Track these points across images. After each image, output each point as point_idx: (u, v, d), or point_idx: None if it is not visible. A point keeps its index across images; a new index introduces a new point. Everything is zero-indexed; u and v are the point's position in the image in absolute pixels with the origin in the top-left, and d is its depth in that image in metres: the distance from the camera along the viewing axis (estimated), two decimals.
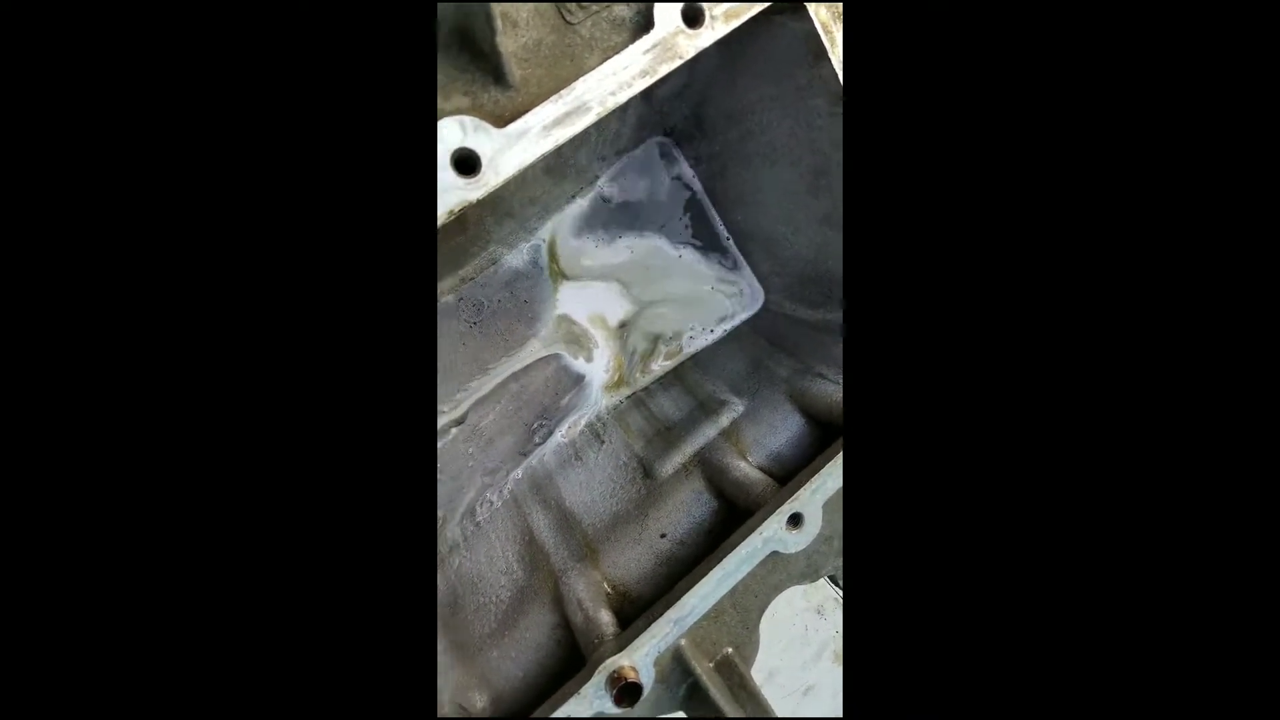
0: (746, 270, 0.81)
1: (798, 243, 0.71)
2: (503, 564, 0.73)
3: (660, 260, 0.78)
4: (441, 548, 0.76)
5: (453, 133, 0.41)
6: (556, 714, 0.53)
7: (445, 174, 0.41)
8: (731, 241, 0.81)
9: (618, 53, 0.45)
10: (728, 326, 0.81)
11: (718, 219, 0.80)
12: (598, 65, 0.45)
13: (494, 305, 0.75)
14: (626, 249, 0.77)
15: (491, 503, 0.79)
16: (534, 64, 0.46)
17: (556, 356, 0.78)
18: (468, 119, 0.41)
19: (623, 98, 0.45)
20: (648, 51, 0.46)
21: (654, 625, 0.54)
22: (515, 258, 0.75)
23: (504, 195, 0.64)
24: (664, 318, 0.79)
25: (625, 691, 0.53)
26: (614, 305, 0.78)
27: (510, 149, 0.42)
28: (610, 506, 0.73)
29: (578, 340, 0.78)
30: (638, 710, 0.59)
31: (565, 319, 0.77)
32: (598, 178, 0.75)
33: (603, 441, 0.79)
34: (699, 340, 0.81)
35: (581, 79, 0.44)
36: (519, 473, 0.80)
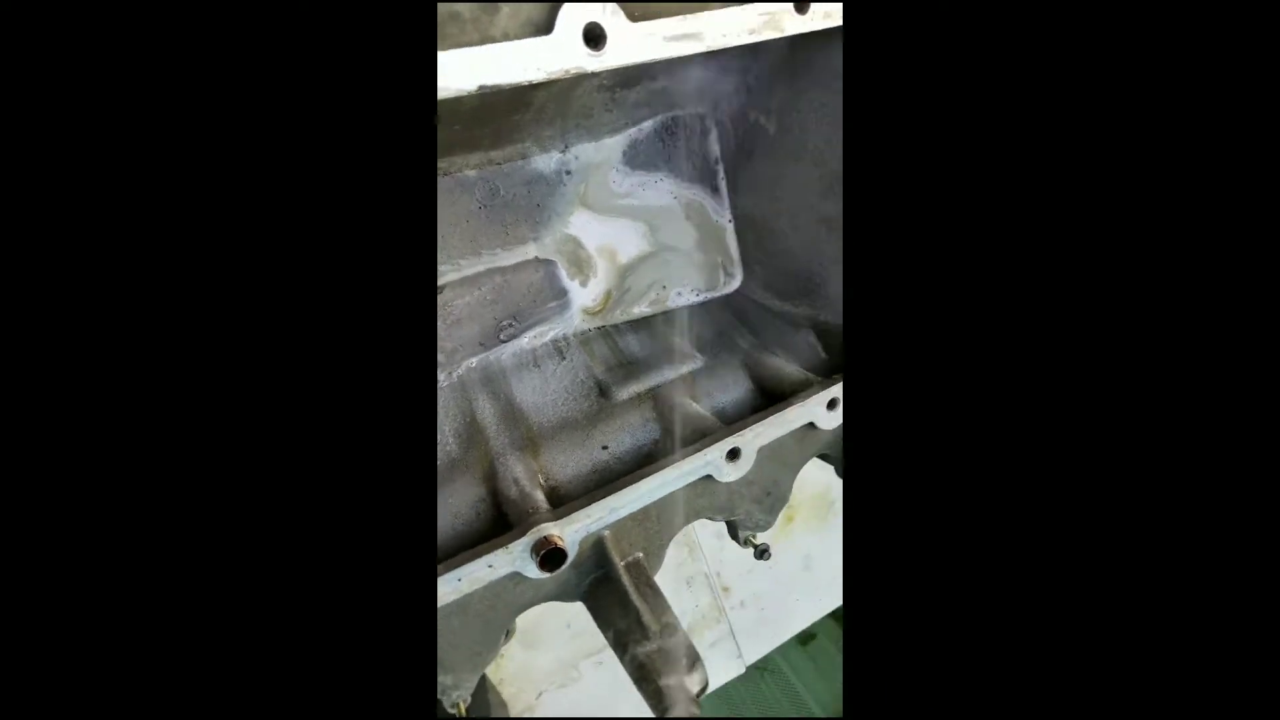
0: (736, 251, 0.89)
1: (792, 239, 0.81)
2: (439, 437, 0.75)
3: (696, 215, 0.85)
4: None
5: (593, 10, 0.46)
6: (472, 562, 0.56)
7: (573, 42, 0.46)
8: (731, 224, 0.89)
9: (739, 3, 0.52)
10: (709, 296, 0.89)
11: (726, 200, 0.88)
12: (720, 8, 0.51)
13: (507, 196, 0.78)
14: (670, 194, 0.83)
15: (440, 381, 0.80)
16: None
17: (551, 264, 0.82)
18: (609, 4, 0.46)
19: (728, 42, 0.52)
20: (760, 15, 0.53)
21: (591, 506, 0.59)
22: (543, 162, 0.78)
23: (570, 96, 0.68)
24: (668, 266, 0.86)
25: (549, 557, 0.57)
26: (631, 243, 0.83)
27: (634, 40, 0.48)
28: (559, 412, 0.77)
29: (578, 263, 0.82)
30: (544, 587, 0.64)
31: (573, 240, 0.81)
32: (645, 121, 0.81)
33: (564, 358, 0.84)
34: (683, 299, 0.88)
35: (707, 12, 0.50)
36: (474, 361, 0.82)
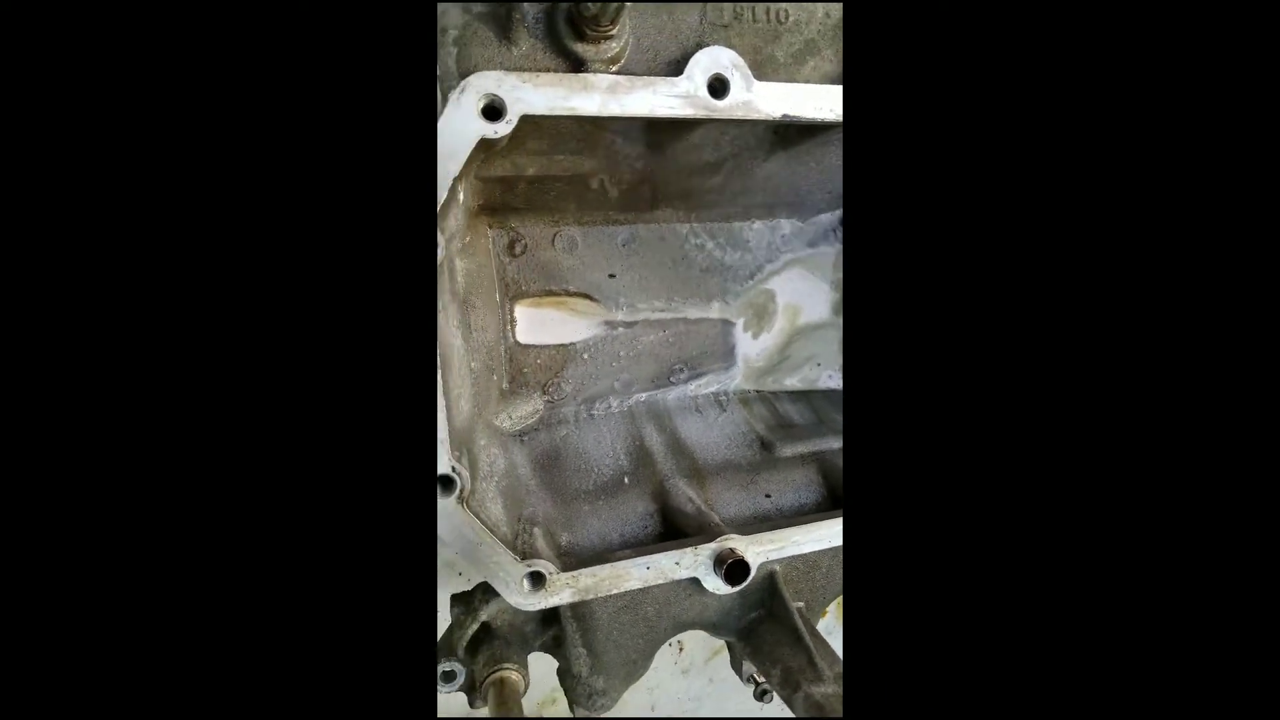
0: None
1: None
2: (609, 451, 0.78)
3: None
4: (554, 415, 0.82)
5: None
6: (662, 554, 0.57)
7: None
8: None
9: None
10: None
11: None
12: None
13: (713, 255, 0.88)
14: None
15: (610, 405, 0.86)
16: None
17: (730, 325, 0.89)
18: None
19: None
20: None
21: (776, 532, 0.60)
22: (754, 232, 0.88)
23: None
24: (830, 344, 0.91)
25: (734, 569, 0.58)
26: (816, 308, 0.90)
27: None
28: (723, 454, 0.80)
29: (762, 315, 0.89)
30: (709, 609, 0.62)
31: (768, 293, 0.89)
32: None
33: (724, 410, 0.88)
34: (833, 382, 0.92)
35: None
36: (643, 396, 0.87)
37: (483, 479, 0.62)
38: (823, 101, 0.54)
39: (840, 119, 0.54)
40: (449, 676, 0.60)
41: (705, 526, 0.63)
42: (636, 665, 0.62)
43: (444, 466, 0.49)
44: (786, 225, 0.88)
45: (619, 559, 0.56)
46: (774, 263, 0.89)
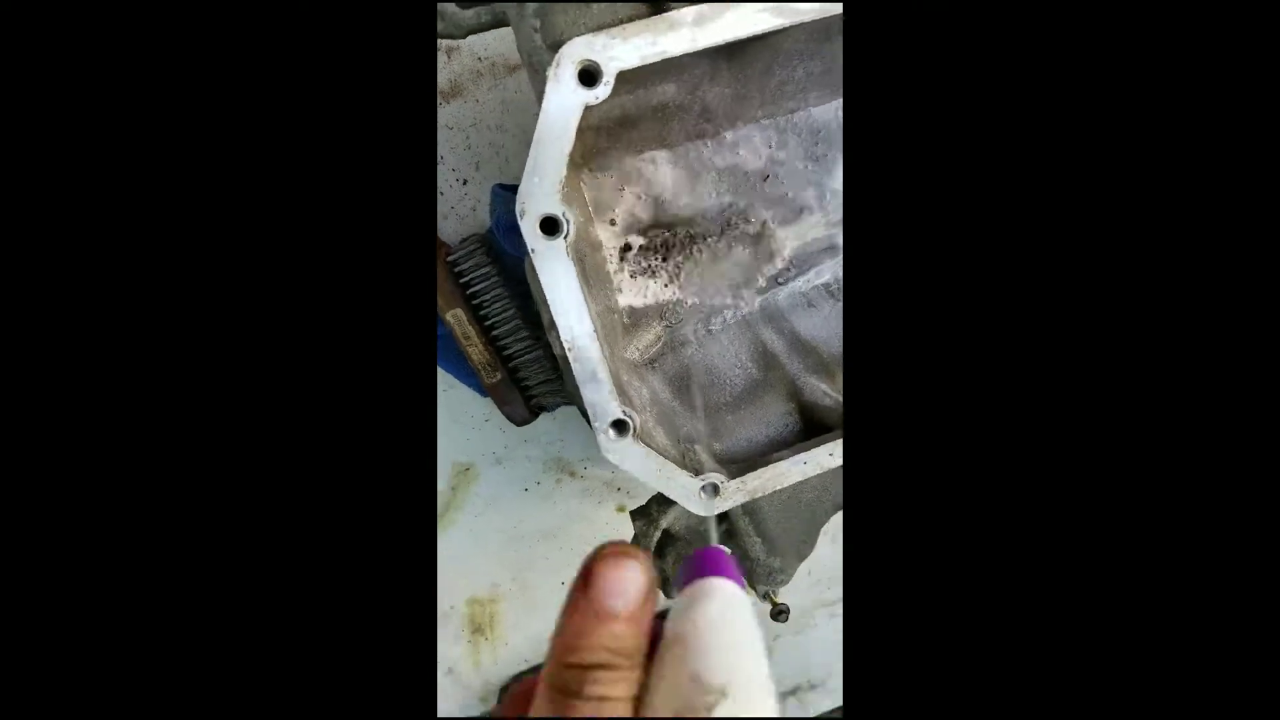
0: None
1: None
2: (735, 361, 0.83)
3: None
4: (676, 338, 0.87)
5: None
6: (816, 449, 0.63)
7: None
8: None
9: None
10: None
11: None
12: None
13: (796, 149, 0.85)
14: None
15: (725, 318, 0.89)
16: None
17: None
18: None
19: None
20: None
21: None
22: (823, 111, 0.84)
23: None
24: None
25: None
26: None
27: None
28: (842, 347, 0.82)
29: None
30: None
31: None
32: None
33: (837, 300, 0.89)
34: None
35: None
36: (757, 303, 0.90)
37: (640, 411, 0.69)
38: None
39: None
40: None
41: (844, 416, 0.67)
42: (804, 544, 0.70)
43: (615, 412, 0.56)
44: None
45: (779, 459, 0.62)
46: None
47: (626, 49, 0.48)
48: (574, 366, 0.55)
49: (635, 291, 0.89)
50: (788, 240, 0.92)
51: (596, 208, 0.80)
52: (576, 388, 0.56)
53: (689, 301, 0.89)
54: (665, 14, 0.48)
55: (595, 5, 0.48)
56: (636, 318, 0.90)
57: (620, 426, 0.57)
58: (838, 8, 0.49)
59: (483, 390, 0.91)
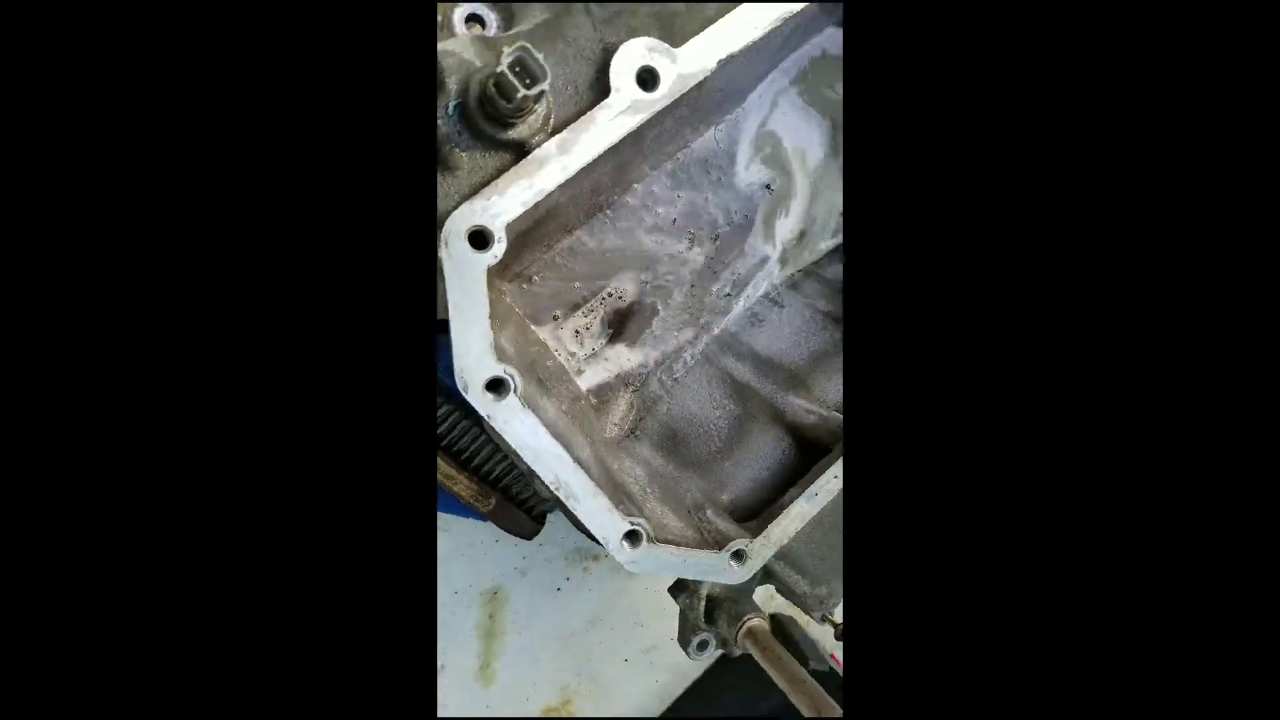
0: None
1: None
2: (711, 402, 0.84)
3: None
4: (646, 398, 0.87)
5: None
6: (820, 477, 0.64)
7: None
8: None
9: None
10: None
11: None
12: None
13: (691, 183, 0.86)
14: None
15: (686, 361, 0.90)
16: None
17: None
18: None
19: None
20: None
21: None
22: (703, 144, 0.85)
23: None
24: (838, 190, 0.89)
25: None
26: (817, 142, 0.84)
27: None
28: (807, 348, 0.84)
29: (778, 164, 0.84)
30: None
31: (772, 137, 0.83)
32: None
33: (782, 306, 0.90)
34: None
35: None
36: (707, 336, 0.91)
37: (641, 496, 0.69)
38: (749, 20, 0.50)
39: (769, 29, 0.51)
40: (703, 645, 0.72)
41: (834, 429, 0.69)
42: (840, 560, 0.71)
43: (623, 527, 0.56)
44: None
45: (790, 501, 0.63)
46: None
47: (506, 201, 0.48)
48: (567, 503, 0.54)
49: (596, 369, 0.88)
50: (721, 265, 0.93)
51: (533, 314, 0.79)
52: (577, 520, 0.55)
53: (650, 358, 0.90)
54: (530, 155, 0.48)
55: (460, 170, 0.48)
56: (603, 394, 0.90)
57: (633, 537, 0.57)
58: (689, 84, 0.50)
59: (483, 517, 0.90)
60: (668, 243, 0.89)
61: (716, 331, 0.93)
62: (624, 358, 0.91)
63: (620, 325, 0.90)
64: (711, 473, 0.76)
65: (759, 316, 0.93)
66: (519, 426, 0.51)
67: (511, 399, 0.51)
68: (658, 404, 0.88)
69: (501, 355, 0.52)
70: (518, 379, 0.51)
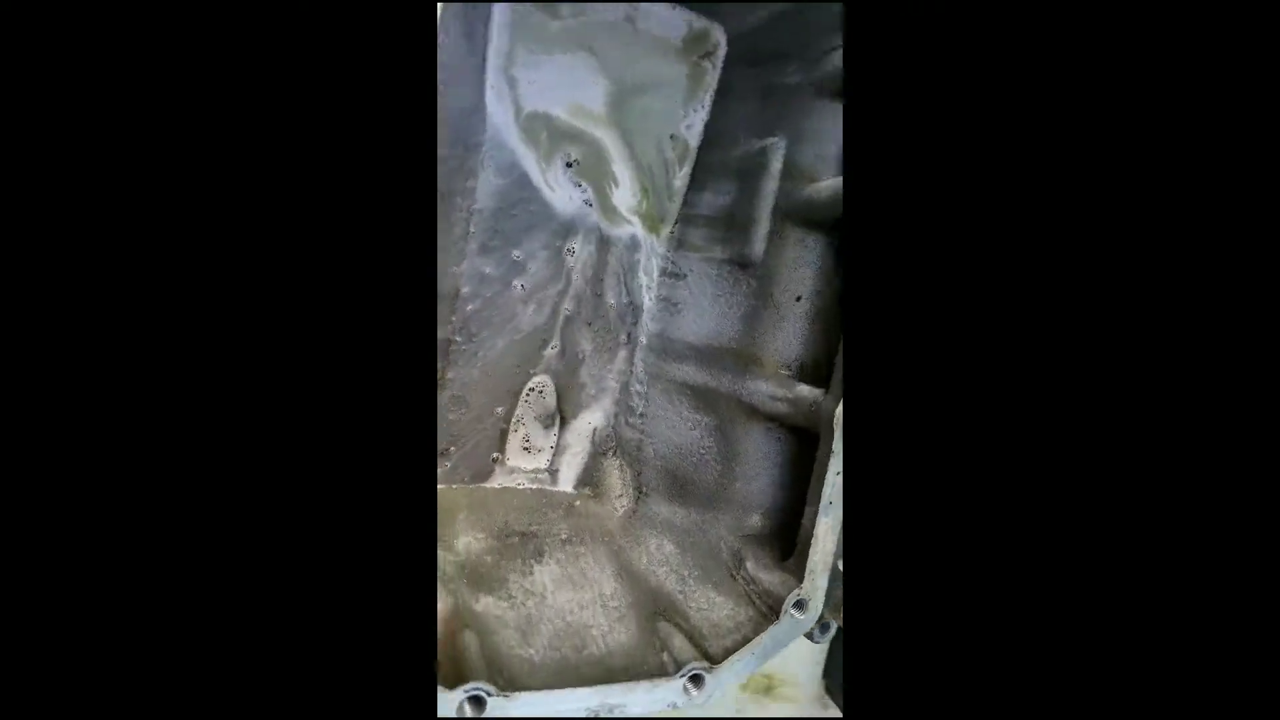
0: None
1: None
2: (684, 421, 0.76)
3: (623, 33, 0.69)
4: (628, 450, 0.81)
5: None
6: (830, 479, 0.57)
7: None
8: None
9: None
10: (713, 83, 0.74)
11: None
12: None
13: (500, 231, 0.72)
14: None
15: (639, 392, 0.81)
16: None
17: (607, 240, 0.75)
18: None
19: None
20: None
21: None
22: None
23: None
24: (652, 105, 0.72)
25: None
26: (586, 86, 0.70)
27: None
28: (735, 316, 0.73)
29: (567, 137, 0.71)
30: None
31: (541, 117, 0.69)
32: None
33: (684, 276, 0.78)
34: (696, 121, 0.75)
35: None
36: (640, 352, 0.81)
37: (680, 584, 0.65)
38: None
39: None
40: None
41: (808, 410, 0.60)
42: (834, 553, 0.65)
43: (678, 685, 0.53)
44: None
45: (811, 523, 0.57)
46: None
47: None
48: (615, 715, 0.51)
49: (568, 459, 0.81)
50: (597, 280, 0.80)
51: (475, 473, 0.72)
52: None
53: (605, 408, 0.82)
54: None
55: None
56: (591, 477, 0.83)
57: (696, 680, 0.54)
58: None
59: None
60: (536, 301, 0.77)
61: (644, 340, 0.82)
62: (584, 426, 0.83)
63: (556, 406, 0.82)
64: (729, 501, 0.70)
65: (671, 300, 0.81)
66: (523, 709, 0.47)
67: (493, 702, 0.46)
68: (642, 449, 0.81)
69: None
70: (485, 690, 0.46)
